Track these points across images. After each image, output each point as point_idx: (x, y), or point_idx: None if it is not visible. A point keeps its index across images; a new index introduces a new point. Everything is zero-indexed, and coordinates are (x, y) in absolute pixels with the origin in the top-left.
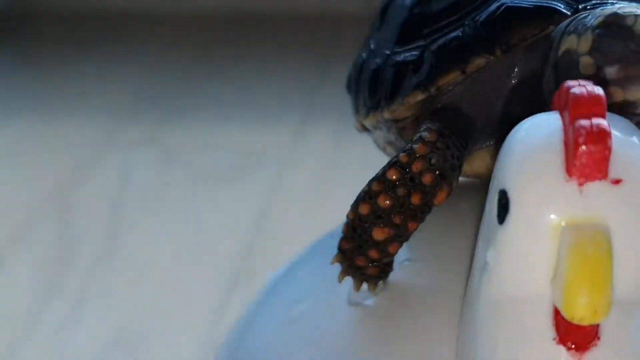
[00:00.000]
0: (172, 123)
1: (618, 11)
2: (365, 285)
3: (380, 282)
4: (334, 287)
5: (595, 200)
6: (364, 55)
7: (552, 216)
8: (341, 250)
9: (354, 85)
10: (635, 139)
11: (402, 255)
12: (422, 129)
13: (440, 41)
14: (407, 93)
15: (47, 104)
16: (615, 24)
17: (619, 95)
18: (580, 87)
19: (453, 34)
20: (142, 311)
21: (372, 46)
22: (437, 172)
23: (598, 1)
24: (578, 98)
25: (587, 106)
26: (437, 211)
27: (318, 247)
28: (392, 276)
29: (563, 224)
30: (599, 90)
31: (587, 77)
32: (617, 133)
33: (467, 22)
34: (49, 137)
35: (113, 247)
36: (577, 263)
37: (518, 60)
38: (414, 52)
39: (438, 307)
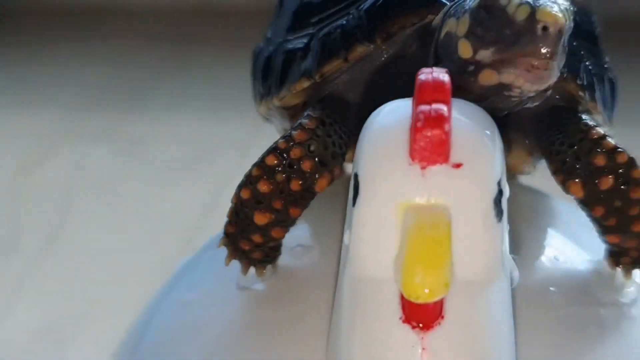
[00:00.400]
0: (131, 117)
1: None
2: (253, 270)
3: (269, 267)
4: (227, 272)
5: (436, 184)
6: (261, 43)
7: (396, 199)
8: (226, 234)
9: (251, 74)
10: (477, 124)
11: (294, 240)
12: (303, 116)
13: (327, 29)
14: (294, 80)
15: (5, 96)
16: (490, 6)
17: (494, 78)
18: (427, 74)
19: (338, 22)
20: (77, 302)
21: (268, 35)
22: (316, 159)
23: None
24: (422, 84)
25: (430, 92)
26: (333, 197)
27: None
28: (284, 261)
29: (406, 206)
30: (444, 77)
31: (465, 61)
32: (460, 118)
33: (352, 11)
34: (4, 129)
35: (57, 239)
36: (415, 244)
37: (401, 48)
38: (302, 40)
39: (325, 292)
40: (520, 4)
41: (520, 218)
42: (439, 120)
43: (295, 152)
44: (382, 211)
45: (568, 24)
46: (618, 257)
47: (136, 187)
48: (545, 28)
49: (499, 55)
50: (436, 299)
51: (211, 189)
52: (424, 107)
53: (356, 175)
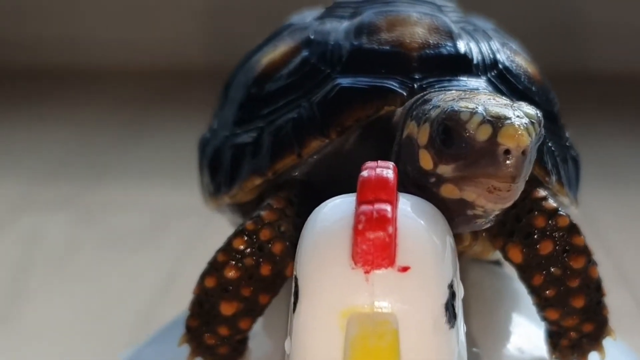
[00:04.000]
0: (90, 185)
1: (454, 106)
2: None
3: None
4: None
5: (382, 290)
6: (207, 134)
7: (338, 306)
8: (189, 329)
9: (198, 167)
10: (426, 224)
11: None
12: (268, 198)
13: (278, 122)
14: (245, 178)
15: None
16: (450, 121)
17: (455, 193)
18: (370, 169)
19: (289, 115)
20: None
21: (214, 125)
22: (287, 241)
23: (434, 80)
24: (364, 181)
25: (372, 190)
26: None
27: (174, 325)
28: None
29: (349, 313)
30: (387, 173)
31: (426, 171)
32: (407, 217)
33: (303, 103)
34: None
35: (11, 310)
36: (359, 355)
37: (357, 138)
38: (251, 134)
39: None
40: (482, 123)
41: (482, 304)
42: (382, 222)
43: (265, 234)
44: (324, 319)
45: (534, 141)
46: (557, 339)
47: (94, 255)
48: (507, 151)
49: (459, 172)
50: None
51: (172, 258)
52: (366, 208)
53: (296, 279)
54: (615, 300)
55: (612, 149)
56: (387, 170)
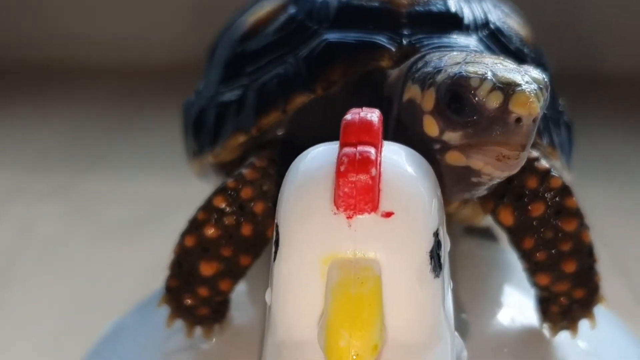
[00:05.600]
0: (82, 176)
1: (462, 72)
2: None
3: (217, 326)
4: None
5: (364, 235)
6: (192, 97)
7: (319, 252)
8: (168, 289)
9: (182, 129)
10: (411, 170)
11: None
12: (251, 157)
13: (263, 79)
14: (228, 135)
15: None
16: (459, 87)
17: (461, 160)
18: (354, 113)
19: (275, 71)
20: None
21: (200, 87)
22: (270, 201)
23: (423, 36)
24: (348, 124)
25: (356, 133)
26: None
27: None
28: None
29: (330, 260)
30: (372, 116)
31: (430, 138)
32: (392, 163)
33: (289, 59)
34: None
35: (1, 298)
36: (340, 303)
37: (345, 97)
38: (236, 92)
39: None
40: (492, 90)
41: (473, 274)
42: (365, 164)
43: (247, 192)
44: (304, 266)
45: (542, 106)
46: (547, 305)
47: (84, 247)
48: (518, 119)
49: (467, 140)
50: None
51: (162, 250)
52: (348, 150)
53: (277, 227)
54: (610, 289)
55: (617, 147)
56: (371, 114)
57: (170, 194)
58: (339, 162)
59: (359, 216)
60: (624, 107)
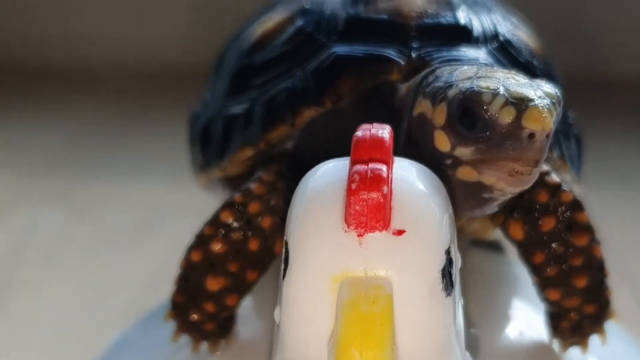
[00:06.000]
0: (83, 182)
1: (474, 86)
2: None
3: (222, 342)
4: (158, 351)
5: (375, 253)
6: (198, 108)
7: (329, 270)
8: (174, 304)
9: (189, 141)
10: (423, 187)
11: None
12: (259, 171)
13: (271, 92)
14: (236, 149)
15: None
16: (471, 102)
17: (473, 176)
18: (364, 130)
19: (283, 85)
20: None
21: (206, 99)
22: (277, 216)
23: (432, 49)
24: (359, 141)
25: (367, 150)
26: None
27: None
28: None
29: (341, 279)
30: (383, 133)
31: (442, 153)
32: (403, 180)
33: (297, 72)
34: None
35: (0, 304)
36: (350, 322)
37: (354, 111)
38: (244, 105)
39: None
40: (505, 105)
41: (482, 288)
42: (377, 182)
43: (254, 207)
44: (315, 284)
45: (556, 121)
46: (558, 321)
47: (86, 252)
48: (531, 135)
49: (479, 155)
50: None
51: (163, 256)
52: (360, 167)
53: (286, 244)
54: (617, 300)
55: (623, 153)
56: (382, 130)
57: (173, 199)
58: (350, 179)
59: (370, 234)
60: (631, 113)
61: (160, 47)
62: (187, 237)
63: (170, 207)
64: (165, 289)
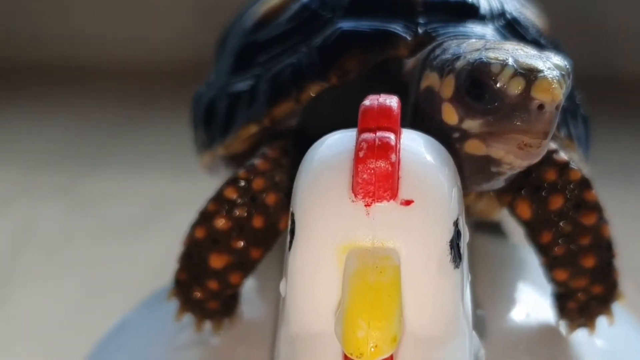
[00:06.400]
0: (85, 174)
1: (482, 57)
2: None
3: (226, 320)
4: (161, 331)
5: (383, 223)
6: (202, 87)
7: (336, 240)
8: (177, 282)
9: (192, 121)
10: (431, 157)
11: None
12: (263, 148)
13: (275, 68)
14: (240, 126)
15: None
16: (480, 73)
17: (481, 149)
18: (372, 99)
19: (288, 61)
20: None
21: (210, 79)
22: (282, 192)
23: (438, 25)
24: (366, 110)
25: (374, 118)
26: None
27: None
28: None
29: (348, 249)
30: (391, 102)
31: (449, 126)
32: (411, 151)
33: (302, 48)
34: None
35: (1, 297)
36: (358, 292)
37: (360, 86)
38: (248, 82)
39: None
40: (514, 76)
41: (487, 271)
42: (385, 150)
43: (258, 183)
44: (321, 255)
45: (565, 93)
46: (565, 301)
47: (88, 245)
48: (541, 106)
49: (487, 128)
50: (383, 356)
51: (165, 250)
52: (368, 135)
53: (292, 215)
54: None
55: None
56: (390, 100)
57: (175, 193)
58: (358, 147)
59: (378, 204)
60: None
61: (162, 43)
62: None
63: (173, 202)
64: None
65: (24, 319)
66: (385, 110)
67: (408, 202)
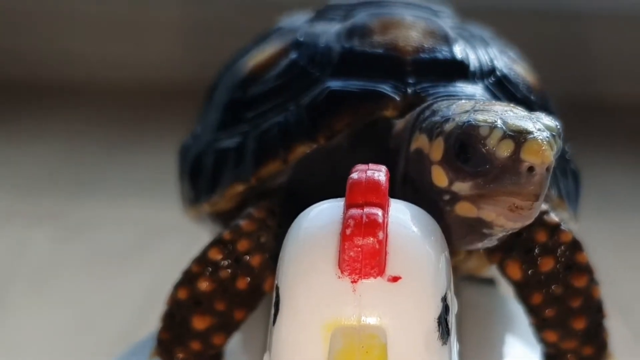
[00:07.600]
0: (74, 200)
1: (471, 120)
2: None
3: None
4: None
5: (369, 300)
6: (189, 140)
7: (322, 318)
8: (160, 341)
9: (178, 174)
10: (419, 232)
11: None
12: (249, 207)
13: (263, 127)
14: (227, 184)
15: None
16: (468, 136)
17: (472, 212)
18: (360, 171)
19: (276, 119)
20: None
21: (197, 131)
22: (267, 253)
23: (428, 85)
24: (354, 184)
25: (362, 193)
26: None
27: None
28: None
29: (333, 327)
30: (379, 176)
31: (440, 189)
32: (398, 224)
33: (290, 107)
34: None
35: None
36: None
37: (348, 147)
38: (235, 139)
39: None
40: (503, 138)
41: (475, 324)
42: (372, 227)
43: (243, 245)
44: (306, 332)
45: (556, 154)
46: None
47: (76, 272)
48: (531, 168)
49: (477, 190)
50: None
51: (155, 276)
52: (355, 212)
53: (277, 289)
54: (610, 329)
55: (617, 179)
56: (378, 172)
57: (165, 219)
58: (345, 224)
59: (365, 280)
60: (627, 137)
61: (153, 65)
62: (180, 257)
63: (164, 227)
64: (157, 310)
65: (12, 346)
66: (373, 184)
67: (395, 279)
